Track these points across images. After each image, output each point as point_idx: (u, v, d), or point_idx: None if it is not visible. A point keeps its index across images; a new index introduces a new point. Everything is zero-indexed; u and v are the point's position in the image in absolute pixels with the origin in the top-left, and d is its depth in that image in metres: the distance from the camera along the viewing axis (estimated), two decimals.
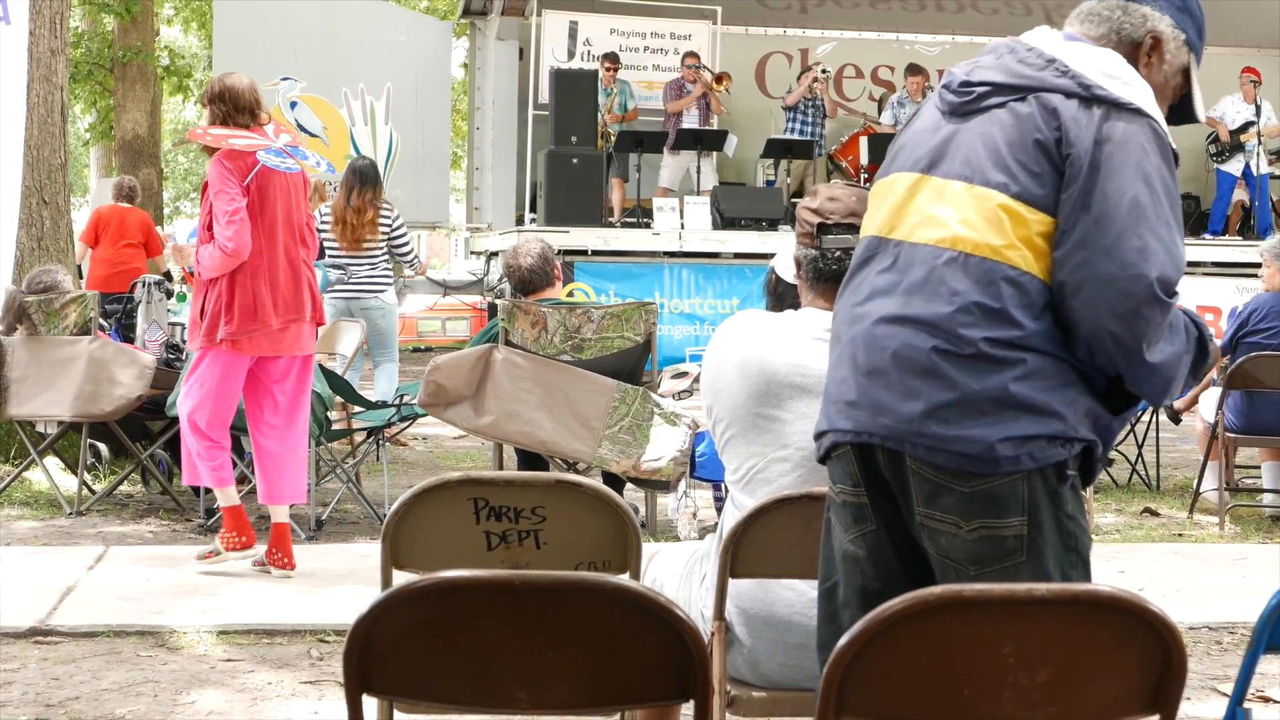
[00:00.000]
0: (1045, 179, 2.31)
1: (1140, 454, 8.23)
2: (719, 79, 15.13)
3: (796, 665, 2.88)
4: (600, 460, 6.14)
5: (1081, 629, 1.90)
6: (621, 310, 6.41)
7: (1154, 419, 8.14)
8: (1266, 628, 2.30)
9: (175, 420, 5.80)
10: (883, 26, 17.67)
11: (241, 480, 6.28)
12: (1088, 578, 2.34)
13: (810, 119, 15.19)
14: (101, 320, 7.48)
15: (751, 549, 2.84)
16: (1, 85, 8.25)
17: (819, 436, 2.47)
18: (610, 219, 14.42)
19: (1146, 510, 7.45)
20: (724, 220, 14.07)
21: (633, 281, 13.47)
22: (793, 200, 14.36)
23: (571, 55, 16.15)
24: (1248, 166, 15.11)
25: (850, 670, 1.87)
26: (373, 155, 15.39)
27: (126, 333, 8.17)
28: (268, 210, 5.51)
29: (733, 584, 2.89)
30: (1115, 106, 2.31)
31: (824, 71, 15.54)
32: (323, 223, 8.68)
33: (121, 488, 7.30)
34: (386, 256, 8.97)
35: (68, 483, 7.17)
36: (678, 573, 3.19)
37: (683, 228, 13.77)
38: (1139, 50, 2.48)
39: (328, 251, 8.71)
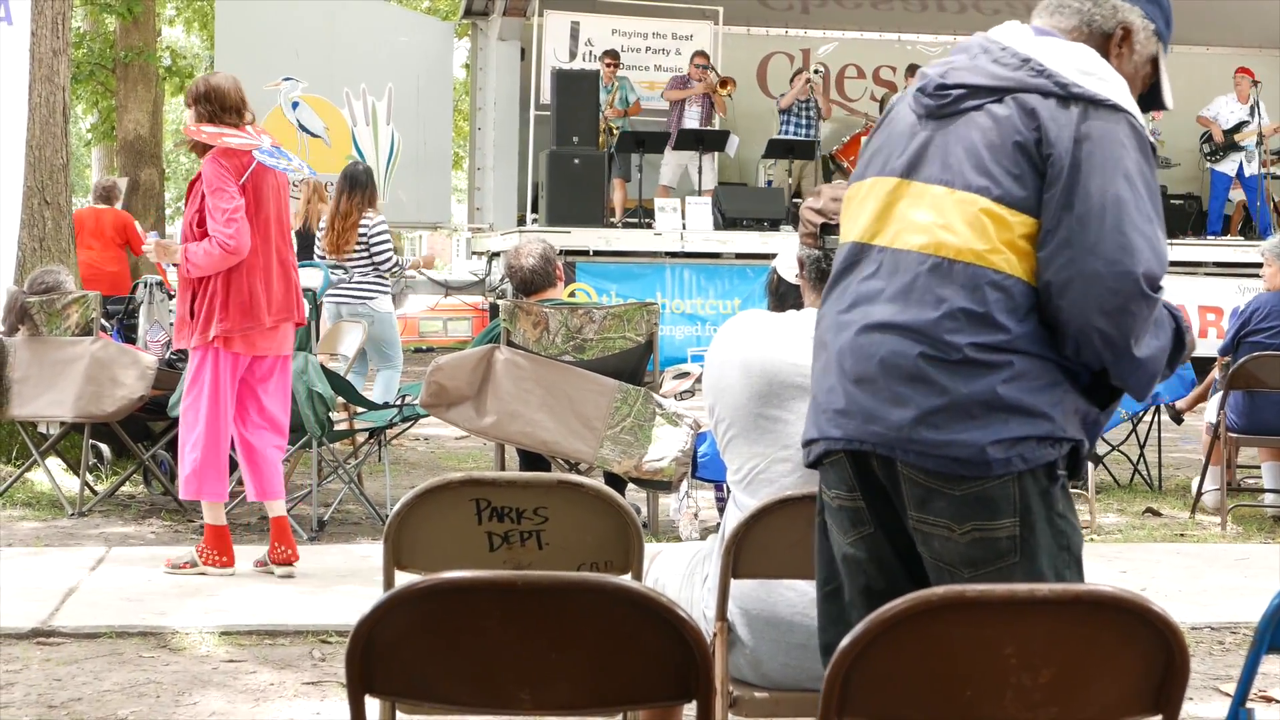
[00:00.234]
0: (1026, 180, 2.30)
1: (1142, 454, 8.24)
2: (724, 83, 15.13)
3: (799, 665, 2.88)
4: (602, 461, 6.14)
5: (1084, 629, 1.90)
6: (623, 311, 6.40)
7: (1156, 419, 8.14)
8: (1269, 628, 2.30)
9: (177, 421, 5.79)
10: (884, 27, 17.66)
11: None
12: (1081, 576, 2.35)
13: (805, 120, 15.20)
14: (103, 321, 7.48)
15: (753, 549, 2.84)
16: (3, 85, 8.27)
17: (808, 444, 2.47)
18: (612, 219, 14.41)
19: (1148, 510, 7.45)
20: (725, 220, 14.08)
21: (634, 282, 13.46)
22: (794, 200, 14.36)
23: (573, 55, 16.14)
24: (1241, 166, 15.12)
25: (853, 671, 1.87)
26: (374, 155, 15.38)
27: (128, 333, 8.18)
28: (262, 209, 5.51)
29: (735, 584, 2.89)
30: (1093, 104, 2.31)
31: (816, 72, 15.61)
32: (322, 226, 8.68)
33: (123, 488, 7.30)
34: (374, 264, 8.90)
35: (70, 483, 7.17)
36: (680, 573, 3.19)
37: (684, 228, 13.77)
38: (1110, 41, 2.49)
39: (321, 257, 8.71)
